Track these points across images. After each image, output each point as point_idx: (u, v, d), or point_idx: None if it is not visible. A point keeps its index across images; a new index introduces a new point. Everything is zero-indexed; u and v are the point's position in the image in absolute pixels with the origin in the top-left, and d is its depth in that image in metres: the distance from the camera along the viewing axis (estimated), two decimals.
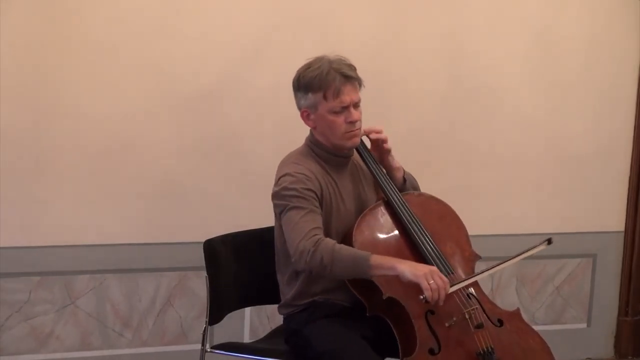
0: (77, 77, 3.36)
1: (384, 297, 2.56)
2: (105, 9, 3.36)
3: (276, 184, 2.72)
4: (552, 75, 3.97)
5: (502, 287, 4.05)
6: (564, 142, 4.05)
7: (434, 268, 2.53)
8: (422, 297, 2.48)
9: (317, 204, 2.66)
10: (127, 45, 3.40)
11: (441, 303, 2.50)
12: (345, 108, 2.70)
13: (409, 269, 2.50)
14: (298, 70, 2.77)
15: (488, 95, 3.89)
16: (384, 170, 2.85)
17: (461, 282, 2.62)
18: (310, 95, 2.71)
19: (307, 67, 2.73)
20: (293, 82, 2.77)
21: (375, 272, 2.50)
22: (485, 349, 2.59)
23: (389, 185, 2.79)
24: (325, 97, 2.68)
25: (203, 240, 2.94)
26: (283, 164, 2.77)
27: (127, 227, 3.49)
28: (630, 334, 4.25)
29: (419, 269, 2.49)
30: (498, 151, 3.95)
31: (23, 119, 3.33)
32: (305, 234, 2.55)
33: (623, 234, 4.22)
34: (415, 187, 2.95)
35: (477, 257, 2.83)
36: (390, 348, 2.65)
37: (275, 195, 2.70)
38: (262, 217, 3.22)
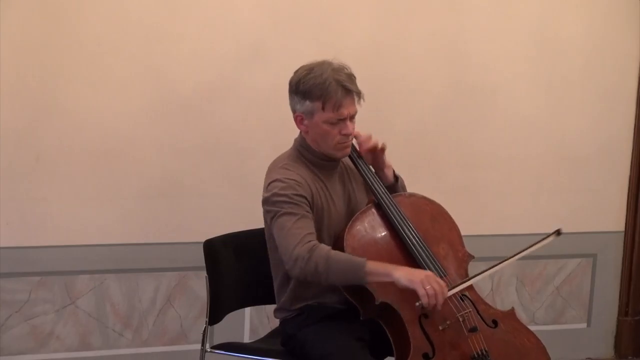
0: (77, 77, 3.37)
1: (377, 303, 2.54)
2: (104, 10, 3.36)
3: (266, 189, 2.66)
4: (552, 75, 3.97)
5: (502, 287, 4.05)
6: (564, 142, 4.05)
7: (430, 273, 2.49)
8: (418, 303, 2.45)
9: (308, 209, 2.61)
10: (126, 45, 3.40)
11: (439, 308, 2.47)
12: (342, 120, 2.66)
13: (405, 275, 2.46)
14: (297, 73, 2.70)
15: (488, 95, 3.89)
16: (374, 172, 2.82)
17: (458, 285, 2.58)
18: (307, 102, 2.64)
19: (308, 72, 2.66)
20: (290, 84, 2.71)
21: (370, 279, 2.47)
22: (480, 352, 2.58)
23: (379, 187, 2.75)
24: (323, 108, 2.63)
25: (203, 240, 2.94)
26: (272, 169, 2.73)
27: (127, 227, 3.49)
28: (630, 334, 4.25)
29: (415, 275, 2.46)
30: (498, 151, 3.95)
31: (23, 118, 3.33)
32: (300, 241, 2.51)
33: (623, 234, 4.21)
34: (404, 187, 2.92)
35: (471, 257, 2.80)
36: (386, 349, 2.65)
37: (266, 202, 2.64)
38: (262, 217, 3.22)
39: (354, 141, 2.82)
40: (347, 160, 2.84)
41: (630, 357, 4.26)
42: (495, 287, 4.02)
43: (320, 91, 2.61)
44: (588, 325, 4.24)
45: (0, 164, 3.31)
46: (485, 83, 3.88)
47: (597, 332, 4.25)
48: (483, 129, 3.91)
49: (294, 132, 3.58)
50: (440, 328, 2.57)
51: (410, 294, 2.48)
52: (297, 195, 2.60)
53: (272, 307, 3.59)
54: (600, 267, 4.21)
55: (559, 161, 4.05)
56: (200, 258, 2.92)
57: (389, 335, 2.60)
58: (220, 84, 3.52)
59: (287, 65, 3.55)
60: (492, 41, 3.87)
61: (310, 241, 2.52)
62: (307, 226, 2.57)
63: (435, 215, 2.82)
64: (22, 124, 3.33)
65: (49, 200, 3.39)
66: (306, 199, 2.63)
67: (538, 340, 2.72)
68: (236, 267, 3.00)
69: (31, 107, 3.33)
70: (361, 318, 2.61)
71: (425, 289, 2.42)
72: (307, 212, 2.61)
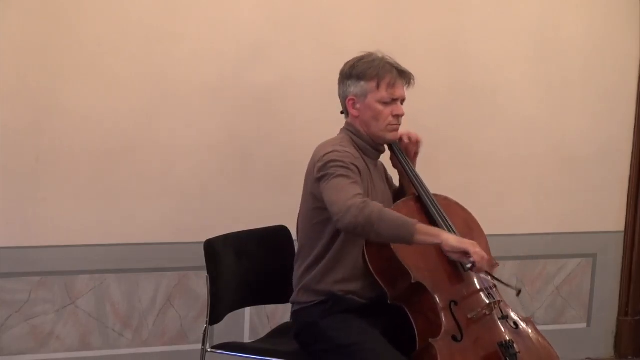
0: (77, 77, 3.36)
1: (413, 281, 2.60)
2: (104, 10, 3.36)
3: (320, 160, 2.69)
4: (552, 75, 3.98)
5: (502, 286, 4.04)
6: (564, 142, 4.05)
7: (476, 243, 2.58)
8: (469, 262, 2.52)
9: (360, 179, 2.68)
10: (126, 45, 3.40)
11: (483, 269, 2.57)
12: (395, 101, 2.76)
13: (455, 237, 2.57)
14: (348, 62, 2.81)
15: (488, 95, 3.90)
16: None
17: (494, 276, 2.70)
18: (362, 83, 2.75)
19: (360, 58, 2.79)
20: (343, 71, 2.80)
21: (419, 237, 2.51)
22: (507, 341, 2.65)
23: (420, 182, 2.86)
24: (378, 87, 2.75)
25: (203, 240, 2.94)
26: (323, 146, 2.76)
27: (127, 227, 3.49)
28: (630, 334, 4.26)
29: (465, 239, 2.56)
30: (498, 151, 3.95)
31: (23, 118, 3.32)
32: (354, 195, 2.56)
33: (623, 234, 4.22)
34: None
35: (496, 265, 2.87)
36: (402, 347, 2.66)
37: (322, 168, 2.66)
38: (262, 217, 3.22)
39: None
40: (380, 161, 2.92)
41: (630, 357, 4.27)
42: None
43: (376, 70, 2.75)
44: (588, 325, 4.25)
45: (0, 164, 3.31)
46: (485, 83, 3.88)
47: (597, 332, 4.25)
48: (483, 129, 3.91)
49: (294, 131, 3.58)
50: (469, 316, 2.64)
51: (444, 278, 2.62)
52: (352, 164, 2.68)
53: (272, 307, 3.61)
54: (600, 267, 4.22)
55: (559, 161, 4.05)
56: (200, 258, 2.91)
57: (412, 321, 2.64)
58: (220, 84, 3.52)
59: (287, 65, 3.58)
60: (492, 41, 3.87)
61: (364, 198, 2.57)
62: (360, 189, 2.62)
63: (466, 220, 2.91)
64: (22, 124, 3.32)
65: (49, 200, 3.39)
66: (359, 170, 2.70)
67: (553, 349, 2.79)
68: (236, 267, 3.00)
69: (31, 107, 3.33)
70: (389, 302, 2.65)
71: (475, 250, 2.52)
72: (360, 181, 2.67)
